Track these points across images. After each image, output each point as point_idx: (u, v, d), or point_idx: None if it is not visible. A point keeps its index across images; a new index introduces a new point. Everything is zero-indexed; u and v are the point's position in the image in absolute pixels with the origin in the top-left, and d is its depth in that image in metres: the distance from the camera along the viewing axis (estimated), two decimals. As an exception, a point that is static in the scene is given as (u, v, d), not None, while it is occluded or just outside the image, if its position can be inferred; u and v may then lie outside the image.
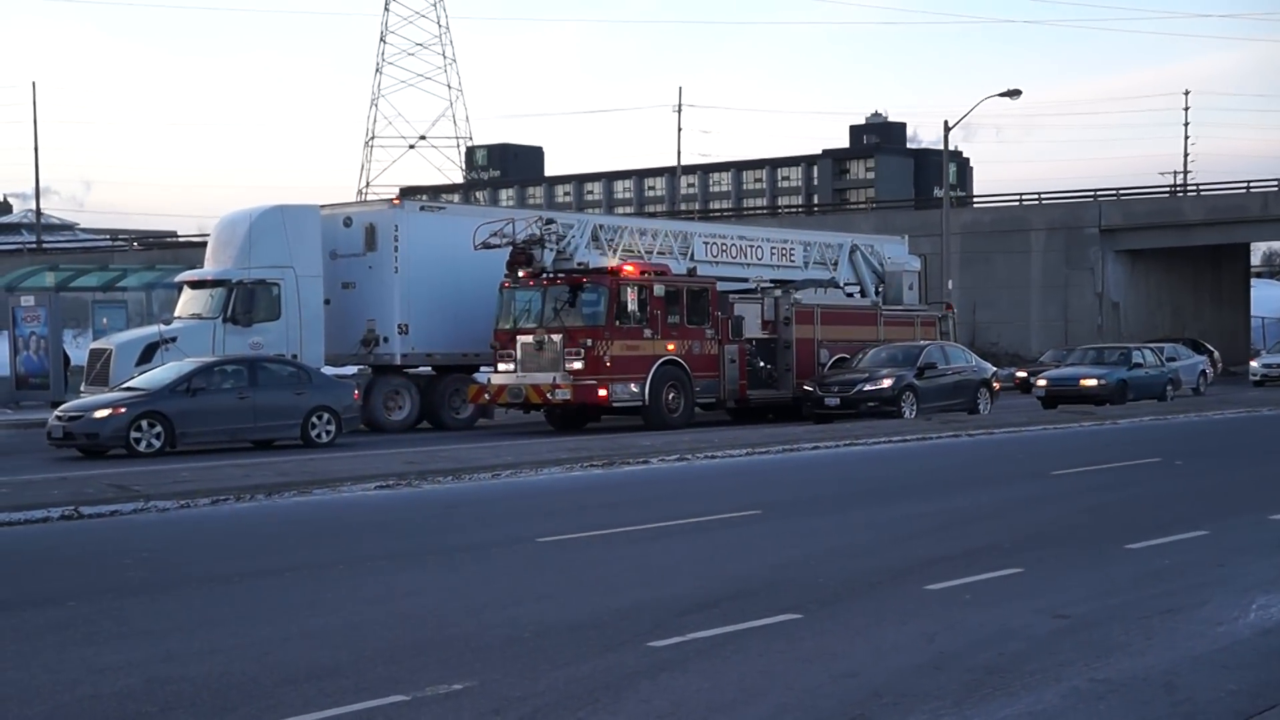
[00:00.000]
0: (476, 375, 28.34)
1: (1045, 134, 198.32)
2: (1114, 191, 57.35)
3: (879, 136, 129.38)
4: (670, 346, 26.72)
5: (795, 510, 14.37)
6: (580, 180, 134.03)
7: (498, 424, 29.08)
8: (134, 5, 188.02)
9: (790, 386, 29.19)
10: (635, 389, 26.06)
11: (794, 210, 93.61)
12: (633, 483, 17.28)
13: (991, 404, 29.76)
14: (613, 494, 16.13)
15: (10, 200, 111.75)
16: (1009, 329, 54.92)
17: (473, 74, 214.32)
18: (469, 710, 6.85)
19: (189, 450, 21.84)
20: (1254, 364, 46.28)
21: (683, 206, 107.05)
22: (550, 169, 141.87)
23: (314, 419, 23.11)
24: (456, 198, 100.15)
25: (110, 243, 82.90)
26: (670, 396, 26.70)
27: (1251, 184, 56.07)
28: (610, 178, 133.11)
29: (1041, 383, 33.63)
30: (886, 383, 27.71)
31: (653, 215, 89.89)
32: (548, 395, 25.71)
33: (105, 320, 36.26)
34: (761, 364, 29.07)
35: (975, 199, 69.99)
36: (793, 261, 32.21)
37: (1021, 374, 41.21)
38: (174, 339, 25.84)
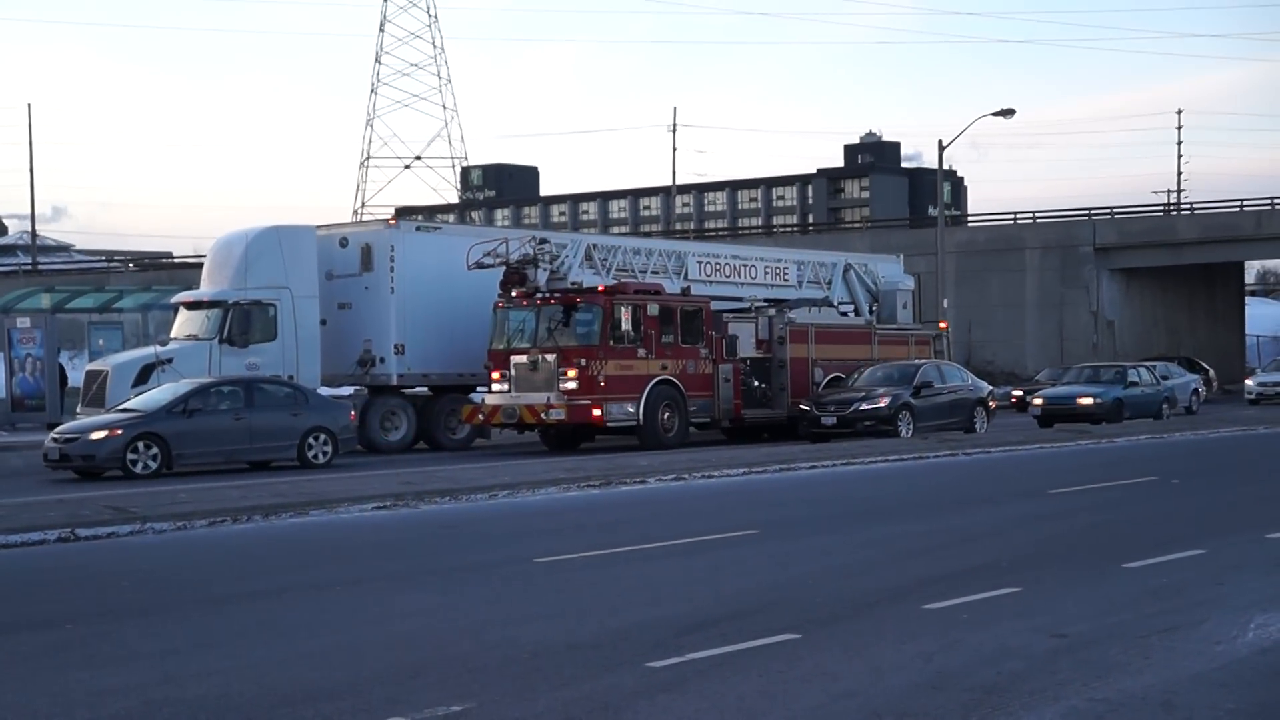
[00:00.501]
0: (473, 395, 28.34)
1: (1040, 153, 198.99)
2: (1108, 210, 57.50)
3: (874, 156, 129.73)
4: (664, 366, 26.72)
5: (793, 530, 14.36)
6: (575, 200, 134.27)
7: (494, 444, 29.07)
8: (129, 27, 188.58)
9: (785, 406, 29.20)
10: (630, 409, 26.05)
11: (789, 229, 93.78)
12: (630, 502, 17.28)
13: (988, 423, 29.78)
14: (610, 514, 16.12)
15: (6, 222, 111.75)
16: (1004, 348, 54.99)
17: (468, 94, 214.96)
18: (468, 732, 6.83)
19: (186, 471, 21.82)
20: (1249, 382, 46.33)
21: (678, 226, 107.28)
22: (545, 189, 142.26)
23: (310, 440, 23.10)
24: (452, 218, 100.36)
25: (106, 264, 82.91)
26: (665, 416, 26.69)
27: (1245, 202, 56.26)
28: (605, 197, 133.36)
29: (1037, 401, 33.66)
30: (883, 402, 27.73)
31: (648, 235, 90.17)
32: (542, 415, 25.71)
33: (101, 341, 36.22)
34: (756, 383, 29.08)
35: (970, 218, 70.10)
36: (787, 281, 32.24)
37: (1018, 393, 41.25)
38: (170, 360, 25.83)
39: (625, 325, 26.09)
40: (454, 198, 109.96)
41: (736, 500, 17.53)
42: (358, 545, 13.84)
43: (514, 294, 26.43)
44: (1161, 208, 65.30)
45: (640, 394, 26.18)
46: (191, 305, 27.64)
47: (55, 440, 21.91)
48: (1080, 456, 24.00)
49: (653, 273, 29.12)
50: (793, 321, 29.79)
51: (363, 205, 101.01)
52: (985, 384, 31.77)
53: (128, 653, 8.72)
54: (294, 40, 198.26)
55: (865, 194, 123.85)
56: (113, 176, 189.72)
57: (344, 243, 28.40)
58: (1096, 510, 15.70)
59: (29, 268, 75.27)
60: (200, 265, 31.13)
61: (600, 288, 26.50)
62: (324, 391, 26.34)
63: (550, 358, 25.77)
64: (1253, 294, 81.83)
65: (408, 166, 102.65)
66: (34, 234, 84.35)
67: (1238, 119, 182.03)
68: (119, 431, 21.43)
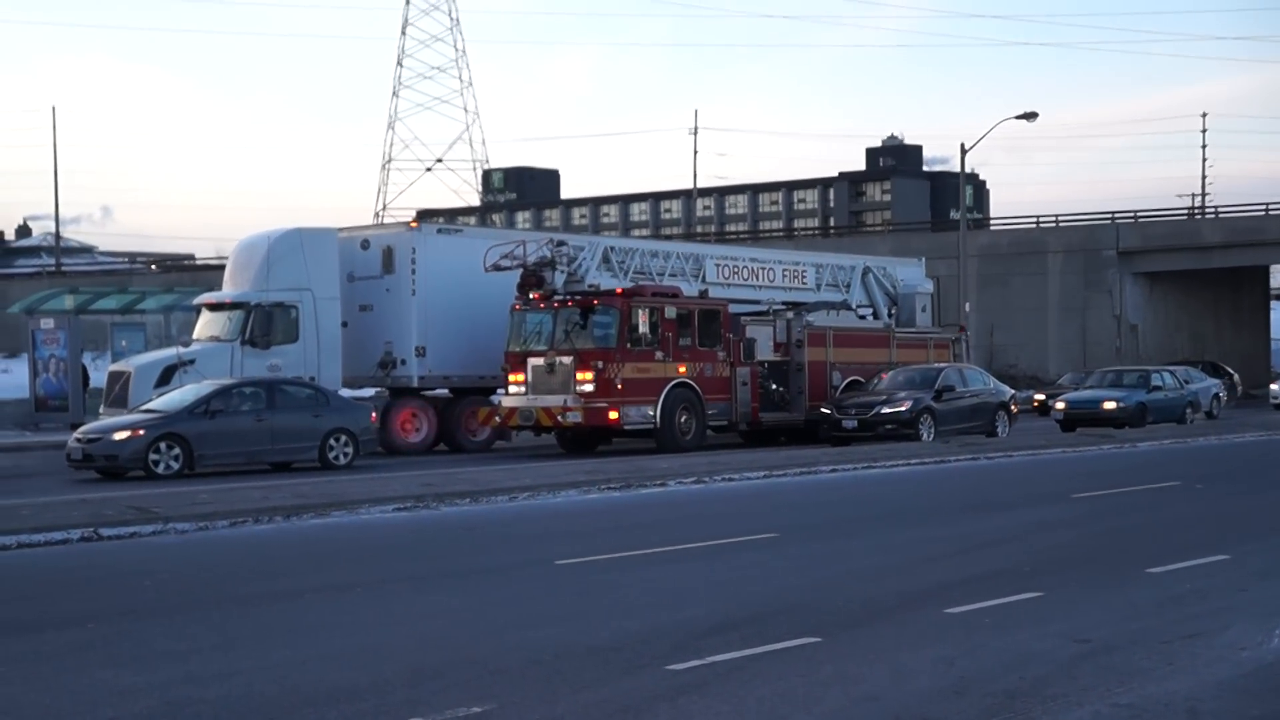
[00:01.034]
0: (494, 398, 28.37)
1: (1062, 156, 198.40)
2: (1132, 214, 57.27)
3: (895, 159, 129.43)
4: (682, 369, 26.67)
5: (814, 533, 14.33)
6: (596, 203, 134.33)
7: (515, 446, 29.09)
8: (153, 31, 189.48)
9: (803, 409, 29.13)
10: (647, 412, 26.01)
11: (810, 233, 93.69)
12: (650, 505, 17.27)
13: (1010, 427, 29.66)
14: (630, 516, 16.11)
15: (30, 224, 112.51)
16: (1026, 351, 54.80)
17: (489, 97, 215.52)
18: (489, 733, 6.84)
19: (207, 472, 21.90)
20: (1274, 387, 46.03)
21: (698, 229, 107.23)
22: (566, 192, 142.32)
23: (332, 441, 23.16)
24: (473, 220, 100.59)
25: (129, 265, 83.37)
26: (682, 419, 26.64)
27: (1270, 206, 55.95)
28: (626, 200, 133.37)
29: (1060, 405, 33.52)
30: (904, 405, 27.64)
31: (668, 238, 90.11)
32: (559, 418, 25.69)
33: (124, 342, 36.38)
34: (774, 386, 29.01)
35: (993, 221, 69.94)
36: (805, 284, 32.13)
37: (1040, 397, 41.08)
38: (192, 361, 25.93)
39: (643, 328, 26.06)
40: (475, 200, 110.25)
41: (757, 503, 17.50)
42: (379, 546, 13.86)
43: (531, 296, 26.41)
44: (1186, 211, 65.05)
45: (658, 397, 26.14)
46: (214, 307, 27.75)
47: (78, 440, 22.01)
48: (1103, 461, 23.89)
49: (670, 275, 29.06)
50: (811, 325, 29.71)
51: (384, 208, 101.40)
52: (1007, 388, 31.65)
53: (150, 652, 8.75)
54: (317, 44, 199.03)
55: (887, 197, 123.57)
56: (136, 179, 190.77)
57: (365, 245, 28.48)
58: (1119, 515, 15.62)
59: (53, 269, 75.73)
60: (222, 267, 31.22)
61: (618, 290, 26.47)
62: (345, 393, 26.42)
63: (567, 360, 25.76)
64: (1278, 298, 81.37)
65: (429, 169, 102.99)
66: (58, 235, 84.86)
67: (1263, 122, 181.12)
68: (141, 432, 21.53)
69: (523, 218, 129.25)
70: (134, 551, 13.54)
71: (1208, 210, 66.09)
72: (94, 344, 41.09)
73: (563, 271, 26.60)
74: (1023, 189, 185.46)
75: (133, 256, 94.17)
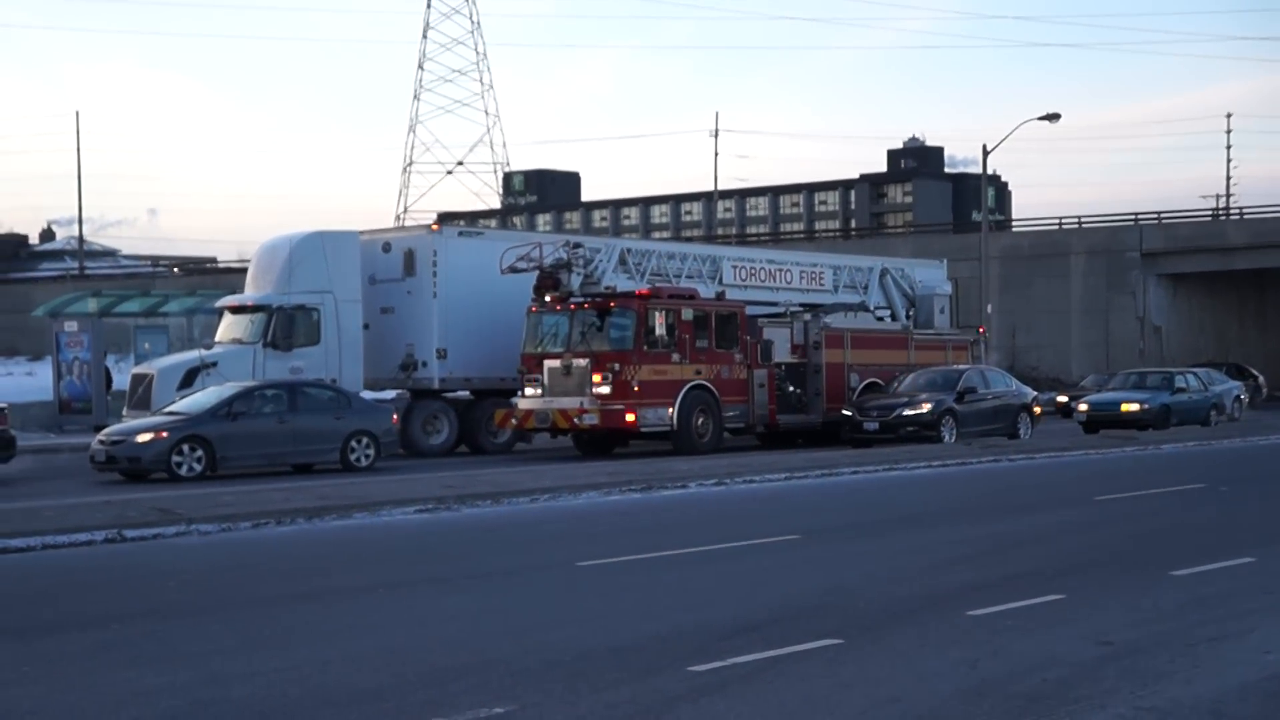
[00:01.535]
0: (514, 399, 28.38)
1: (1085, 157, 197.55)
2: (1155, 215, 56.97)
3: (917, 161, 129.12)
4: (699, 371, 26.61)
5: (835, 535, 14.31)
6: (617, 205, 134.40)
7: (536, 448, 29.11)
8: (175, 36, 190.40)
9: (820, 411, 29.05)
10: (664, 414, 25.94)
11: (831, 235, 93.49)
12: (671, 507, 17.26)
13: (1032, 429, 29.54)
14: (652, 518, 16.11)
15: (54, 228, 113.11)
16: (1049, 353, 54.58)
17: (510, 100, 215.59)
18: (510, 734, 6.84)
19: (230, 474, 21.99)
20: (1299, 388, 45.74)
21: (719, 231, 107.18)
22: (587, 194, 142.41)
23: (353, 443, 23.22)
24: (494, 223, 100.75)
25: (152, 269, 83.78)
26: (699, 421, 26.56)
27: (1295, 207, 55.48)
28: (647, 203, 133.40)
29: (1083, 407, 33.37)
30: (926, 407, 27.55)
31: (689, 240, 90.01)
32: (575, 420, 25.65)
33: (147, 345, 36.57)
34: (791, 389, 28.92)
35: (1015, 223, 69.65)
36: (822, 285, 32.01)
37: (1062, 398, 40.90)
38: (215, 364, 26.03)
39: (659, 330, 26.00)
40: (496, 203, 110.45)
41: (778, 505, 17.48)
42: (400, 548, 13.89)
43: (548, 298, 26.39)
44: (1210, 212, 64.67)
45: (674, 399, 26.08)
46: (236, 309, 27.86)
47: (102, 442, 22.12)
48: (1126, 463, 23.78)
49: (687, 277, 28.99)
50: (828, 326, 29.62)
51: (405, 210, 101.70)
52: (1029, 389, 31.51)
53: (173, 653, 8.78)
54: (339, 48, 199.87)
55: (908, 199, 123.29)
56: (159, 183, 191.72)
57: (387, 248, 28.54)
58: (1143, 517, 15.54)
59: (77, 272, 76.16)
60: (245, 270, 31.36)
61: (634, 292, 26.43)
62: (367, 395, 26.48)
63: (584, 362, 25.72)
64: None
65: (450, 172, 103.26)
66: (81, 239, 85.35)
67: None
68: (165, 434, 21.62)
69: (543, 220, 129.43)
70: (157, 553, 13.60)
71: (1232, 211, 65.70)
72: (117, 347, 41.27)
73: (579, 273, 26.54)
74: (1045, 190, 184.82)
75: (155, 260, 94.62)
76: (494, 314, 27.76)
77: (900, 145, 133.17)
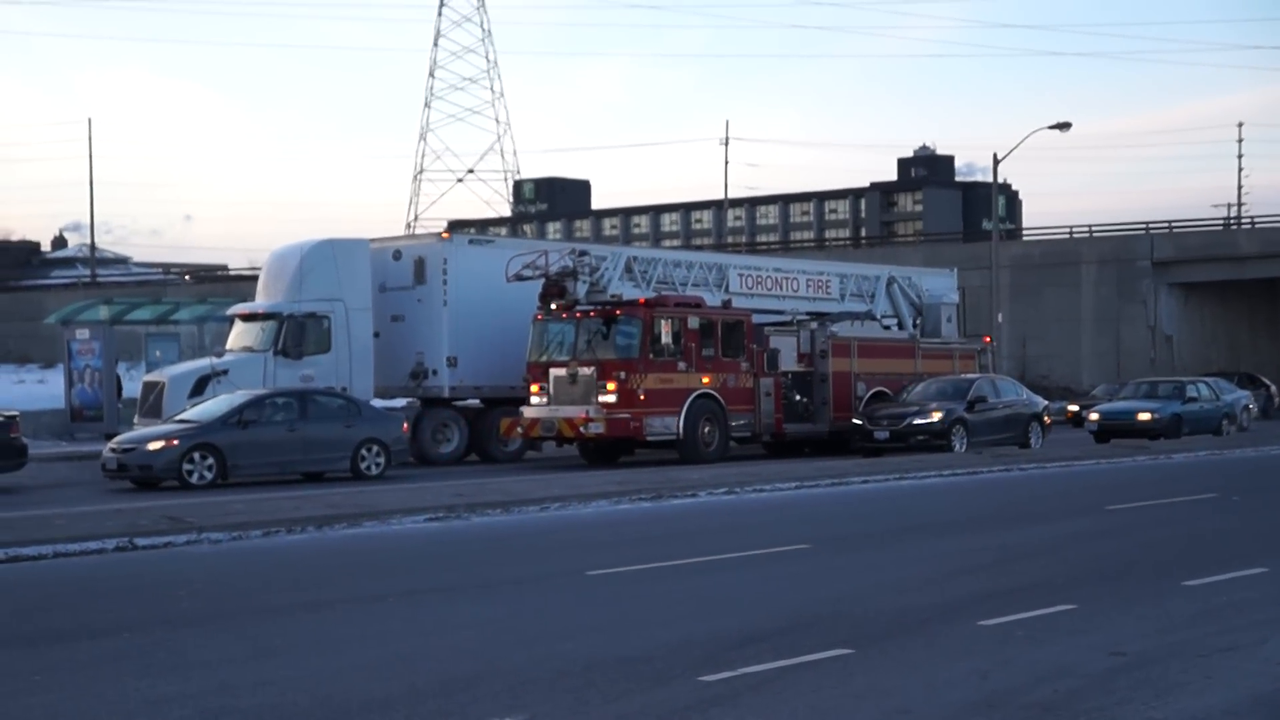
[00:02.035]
0: (524, 408, 28.38)
1: (1096, 166, 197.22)
2: (1166, 224, 56.85)
3: (927, 169, 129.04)
4: (705, 379, 26.56)
5: (845, 545, 14.29)
6: (627, 213, 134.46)
7: (546, 457, 29.11)
8: (187, 44, 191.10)
9: (827, 420, 28.99)
10: (670, 423, 25.88)
11: (841, 243, 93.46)
12: (681, 516, 17.25)
13: (1043, 438, 29.47)
14: (662, 527, 16.10)
15: (65, 235, 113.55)
16: (1060, 362, 54.45)
17: (521, 108, 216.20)
18: (520, 744, 6.84)
19: (240, 482, 22.02)
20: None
21: (729, 239, 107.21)
22: (597, 202, 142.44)
23: (363, 451, 23.24)
24: (504, 231, 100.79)
25: (163, 276, 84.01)
26: (705, 430, 26.51)
27: (1307, 216, 55.32)
28: (657, 211, 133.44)
29: (1094, 416, 33.29)
30: (936, 416, 27.51)
31: (699, 248, 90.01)
32: (581, 429, 25.60)
33: (158, 353, 36.61)
34: (797, 397, 28.85)
35: (1025, 231, 69.67)
36: (829, 294, 31.94)
37: (1073, 408, 40.81)
38: (225, 371, 26.08)
39: (665, 338, 25.95)
40: (506, 211, 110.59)
41: (788, 515, 17.46)
42: (411, 557, 13.90)
43: (553, 306, 26.36)
44: (1221, 221, 64.50)
45: (680, 408, 26.03)
46: (247, 317, 27.91)
47: (113, 450, 22.17)
48: (1138, 472, 23.72)
49: (693, 285, 28.94)
50: (835, 335, 29.56)
51: (416, 218, 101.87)
52: (1040, 399, 31.42)
53: (184, 662, 8.80)
54: (350, 56, 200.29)
55: (918, 208, 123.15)
56: (171, 191, 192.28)
57: (397, 255, 28.59)
58: (1154, 527, 15.50)
59: (88, 280, 76.39)
60: (255, 278, 31.40)
61: (640, 300, 26.39)
62: (377, 403, 26.50)
63: (589, 370, 25.67)
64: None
65: (460, 180, 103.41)
66: (93, 246, 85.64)
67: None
68: (175, 442, 21.66)
69: (554, 228, 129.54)
70: (168, 561, 13.62)
71: (1244, 220, 65.52)
72: (128, 354, 41.31)
73: (585, 281, 26.47)
74: (1056, 199, 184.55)
75: (167, 267, 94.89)
76: (504, 322, 27.76)
77: (911, 154, 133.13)
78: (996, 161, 46.10)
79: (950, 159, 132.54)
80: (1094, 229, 57.70)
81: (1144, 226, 56.78)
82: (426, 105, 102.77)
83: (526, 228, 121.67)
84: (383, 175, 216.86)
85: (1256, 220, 60.38)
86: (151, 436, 22.16)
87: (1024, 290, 54.97)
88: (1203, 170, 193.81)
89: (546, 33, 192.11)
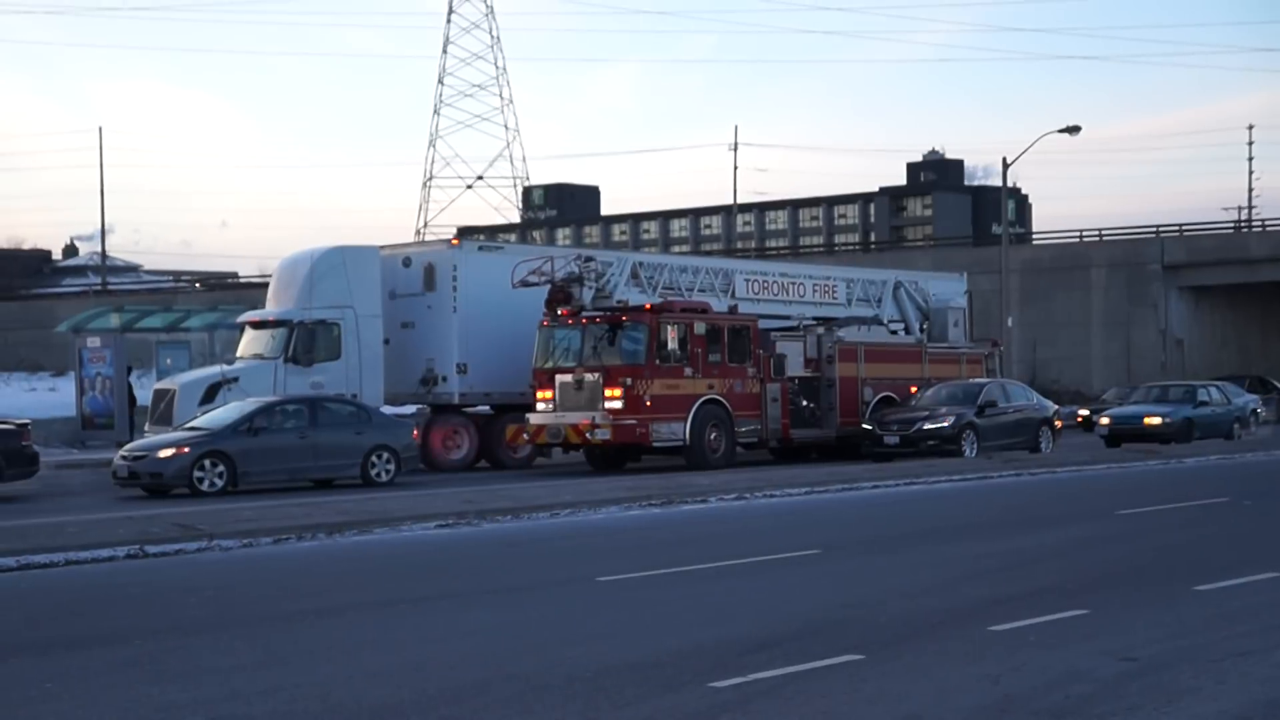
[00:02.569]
0: (530, 414, 28.37)
1: (1106, 170, 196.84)
2: (1177, 227, 56.74)
3: (936, 174, 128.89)
4: (711, 385, 26.50)
5: (856, 550, 14.27)
6: (636, 219, 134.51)
7: (556, 463, 29.12)
8: (197, 52, 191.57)
9: (834, 425, 28.92)
10: (676, 429, 25.83)
11: (851, 248, 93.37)
12: (691, 521, 17.24)
13: (1054, 442, 29.41)
14: (672, 533, 16.09)
15: (77, 243, 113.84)
16: (1070, 366, 54.35)
17: (529, 114, 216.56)
18: (531, 750, 6.83)
19: (251, 489, 22.05)
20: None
21: (739, 245, 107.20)
22: (606, 208, 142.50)
23: (374, 458, 23.26)
24: (513, 237, 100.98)
25: (174, 284, 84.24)
26: (712, 436, 26.44)
27: (1318, 219, 55.25)
28: (666, 216, 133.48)
29: (1104, 421, 33.20)
30: (946, 421, 27.45)
31: (708, 253, 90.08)
32: (587, 435, 25.56)
33: (169, 360, 36.69)
34: (804, 403, 28.78)
35: (1035, 235, 69.44)
36: (836, 299, 31.84)
37: (1084, 412, 40.71)
38: (236, 379, 26.14)
39: (672, 344, 25.89)
40: (516, 217, 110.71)
41: (798, 520, 17.44)
42: (421, 563, 13.91)
43: (559, 312, 26.33)
44: (1232, 224, 64.34)
45: (687, 414, 25.98)
46: (257, 325, 27.97)
47: (124, 458, 22.22)
48: (1149, 477, 23.66)
49: (699, 291, 28.88)
50: (842, 340, 29.49)
51: (425, 225, 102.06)
52: (1050, 403, 31.35)
53: (195, 668, 8.81)
54: (358, 62, 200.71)
55: (928, 212, 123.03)
56: (181, 198, 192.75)
57: (407, 262, 28.62)
58: (1166, 532, 15.46)
59: (99, 288, 76.58)
60: (266, 285, 31.45)
61: (646, 306, 26.36)
62: (387, 410, 26.53)
63: (596, 377, 25.65)
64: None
65: (470, 186, 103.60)
66: (104, 254, 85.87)
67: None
68: (186, 450, 21.71)
69: (563, 234, 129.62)
70: (179, 568, 13.65)
71: (1254, 223, 65.42)
72: (140, 362, 41.44)
73: (591, 287, 26.43)
74: (1066, 203, 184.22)
75: (177, 275, 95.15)
76: (514, 328, 27.75)
77: (920, 158, 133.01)
78: (1006, 165, 46.06)
79: (959, 163, 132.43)
80: (1104, 232, 57.62)
81: (1154, 230, 56.68)
82: (436, 112, 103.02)
83: (536, 234, 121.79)
84: (392, 182, 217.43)
85: (1267, 223, 60.26)
86: (162, 444, 22.20)
87: (1034, 294, 54.89)
88: (1212, 173, 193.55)
89: (555, 39, 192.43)
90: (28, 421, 23.29)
